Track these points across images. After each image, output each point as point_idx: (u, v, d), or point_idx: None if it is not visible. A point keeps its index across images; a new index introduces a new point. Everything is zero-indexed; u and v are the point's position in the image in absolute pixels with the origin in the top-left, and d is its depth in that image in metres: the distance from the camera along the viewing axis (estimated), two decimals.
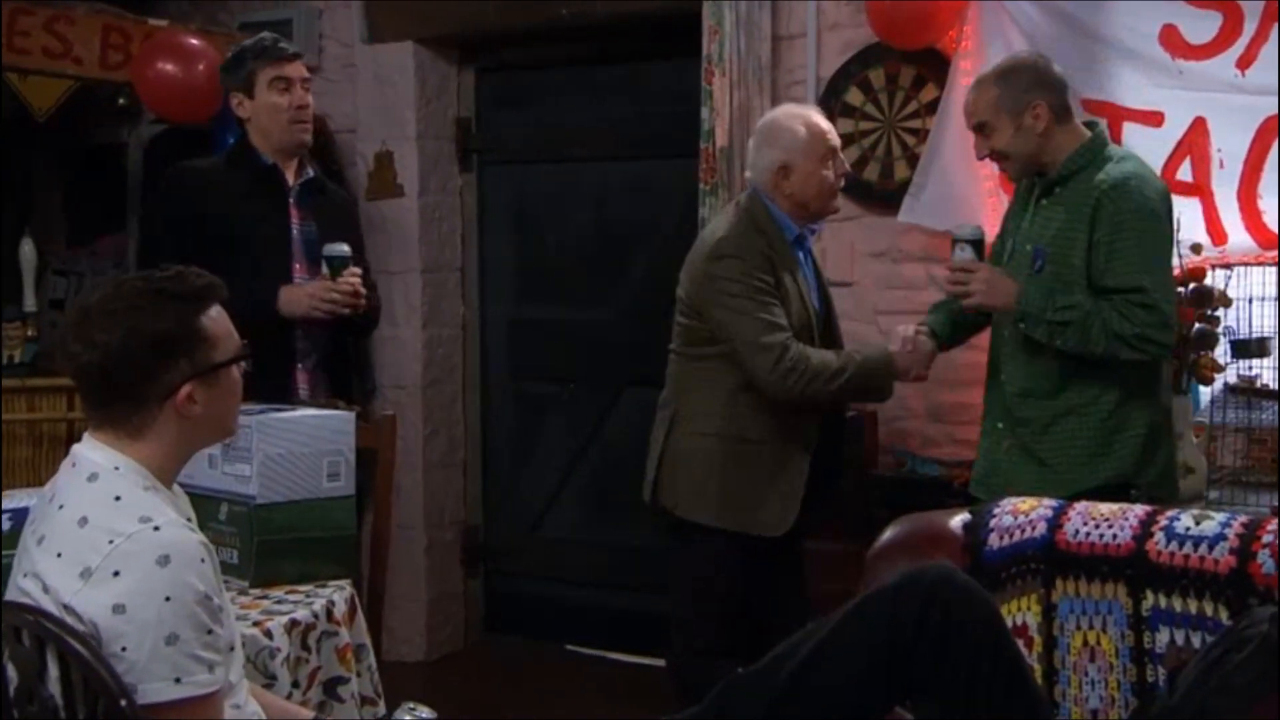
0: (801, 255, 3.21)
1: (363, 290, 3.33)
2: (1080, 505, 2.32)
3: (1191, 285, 3.19)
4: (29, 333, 4.54)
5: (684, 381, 3.21)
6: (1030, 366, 2.89)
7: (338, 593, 2.50)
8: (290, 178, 3.40)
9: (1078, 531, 2.25)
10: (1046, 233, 2.88)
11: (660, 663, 4.38)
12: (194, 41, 4.41)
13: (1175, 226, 2.91)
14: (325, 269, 3.30)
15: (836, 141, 3.21)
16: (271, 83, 3.33)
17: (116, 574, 1.76)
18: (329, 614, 2.42)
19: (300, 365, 3.33)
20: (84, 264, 5.35)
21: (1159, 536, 2.18)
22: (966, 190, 3.77)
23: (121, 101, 4.86)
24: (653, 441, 3.24)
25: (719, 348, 3.11)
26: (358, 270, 3.33)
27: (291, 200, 3.38)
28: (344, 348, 3.47)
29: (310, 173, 3.45)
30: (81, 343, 1.84)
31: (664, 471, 3.20)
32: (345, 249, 3.31)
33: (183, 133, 4.64)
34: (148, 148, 5.02)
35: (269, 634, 2.27)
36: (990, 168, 3.75)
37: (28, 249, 4.63)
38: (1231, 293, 3.27)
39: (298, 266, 3.35)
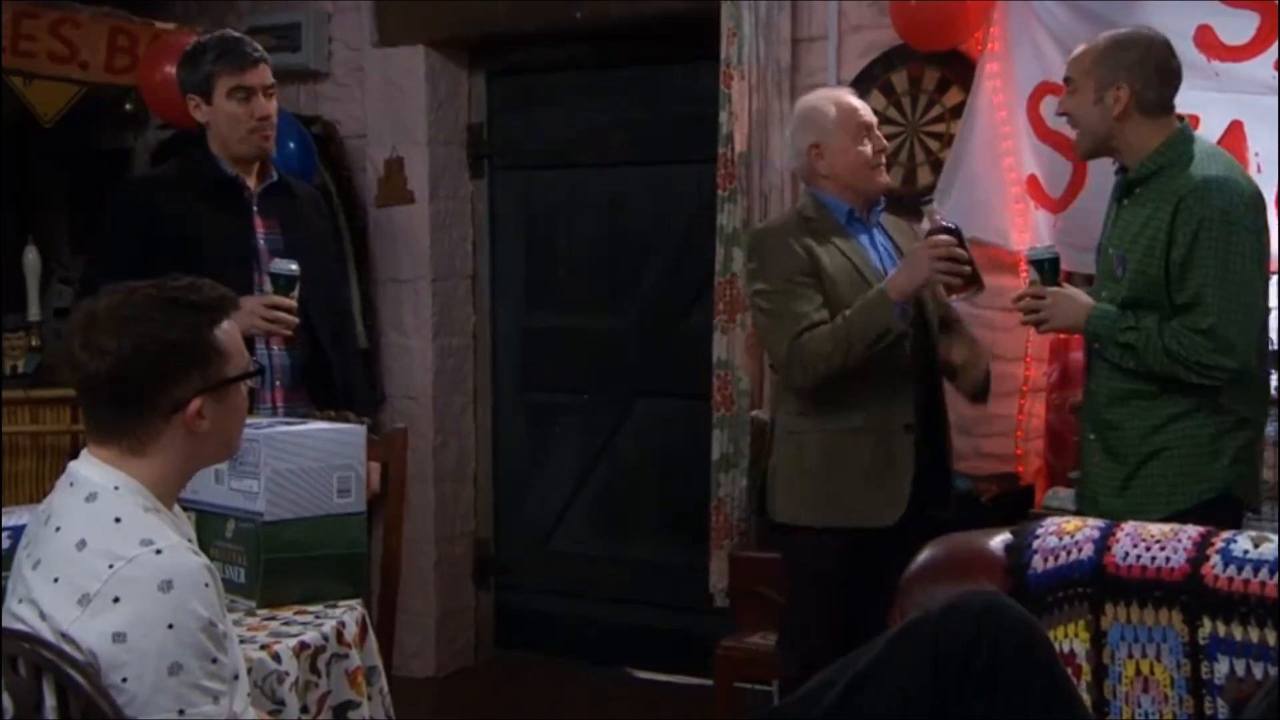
0: (867, 238, 3.12)
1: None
2: (1129, 526, 2.22)
3: None
4: (32, 342, 4.47)
5: (776, 388, 3.14)
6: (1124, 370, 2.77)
7: (348, 613, 2.42)
8: (252, 183, 3.14)
9: (1127, 554, 2.15)
10: (1127, 236, 2.76)
11: (672, 679, 4.36)
12: None
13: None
14: (269, 287, 3.00)
15: (870, 118, 3.13)
16: (231, 92, 3.05)
17: (117, 600, 1.69)
18: (339, 636, 2.34)
19: (278, 382, 3.08)
20: None
21: (1215, 560, 2.08)
22: (992, 197, 3.69)
23: (128, 106, 4.79)
24: None
25: None
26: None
27: (255, 209, 3.13)
28: (326, 363, 3.18)
29: (274, 175, 3.20)
30: (89, 350, 1.76)
31: (767, 481, 3.10)
32: (294, 267, 2.99)
33: (189, 137, 4.55)
34: (154, 153, 4.94)
35: (277, 657, 2.18)
36: (1017, 172, 3.68)
37: (31, 256, 4.55)
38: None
39: (260, 279, 3.08)
